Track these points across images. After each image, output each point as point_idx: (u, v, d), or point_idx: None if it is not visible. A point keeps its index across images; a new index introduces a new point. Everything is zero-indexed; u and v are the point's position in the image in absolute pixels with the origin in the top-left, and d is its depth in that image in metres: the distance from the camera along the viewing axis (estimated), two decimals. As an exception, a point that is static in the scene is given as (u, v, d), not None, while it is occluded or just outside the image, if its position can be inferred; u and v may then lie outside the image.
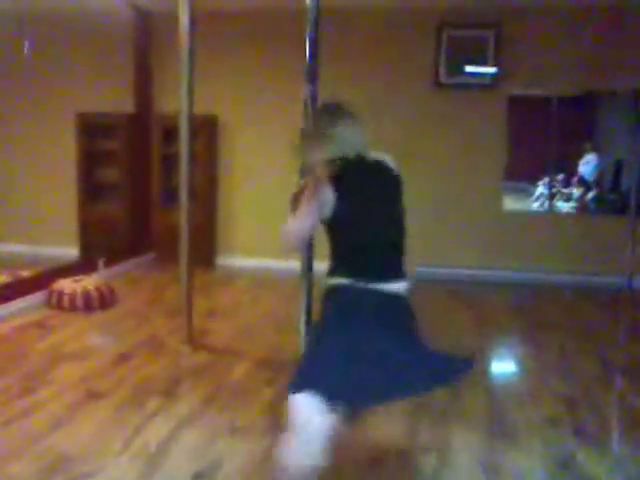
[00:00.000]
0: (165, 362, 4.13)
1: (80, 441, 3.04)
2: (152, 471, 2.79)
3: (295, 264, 6.85)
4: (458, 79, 6.53)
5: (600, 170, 6.72)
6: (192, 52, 4.23)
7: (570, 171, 6.73)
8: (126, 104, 6.90)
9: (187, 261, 4.42)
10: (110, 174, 6.99)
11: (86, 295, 5.17)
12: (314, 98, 2.64)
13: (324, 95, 2.73)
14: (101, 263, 6.07)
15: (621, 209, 6.63)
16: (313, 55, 2.58)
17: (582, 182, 6.78)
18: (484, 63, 6.46)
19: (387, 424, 3.30)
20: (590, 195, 6.77)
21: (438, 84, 6.57)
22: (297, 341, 4.48)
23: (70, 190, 6.99)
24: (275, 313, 5.37)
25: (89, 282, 5.30)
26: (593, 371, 4.16)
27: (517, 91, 6.55)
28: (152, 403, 3.47)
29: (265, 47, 6.81)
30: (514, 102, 6.57)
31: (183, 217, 4.41)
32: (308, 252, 2.76)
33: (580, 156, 6.71)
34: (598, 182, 6.75)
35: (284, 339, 4.65)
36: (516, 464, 2.94)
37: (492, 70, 6.45)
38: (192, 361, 4.17)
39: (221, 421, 3.30)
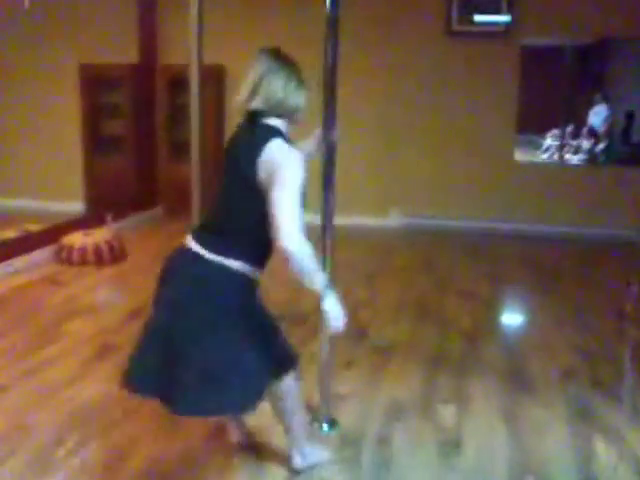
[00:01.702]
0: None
1: (99, 393, 3.04)
2: (172, 424, 2.78)
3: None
4: (470, 27, 6.35)
5: (610, 121, 6.60)
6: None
7: (580, 122, 6.61)
8: (130, 55, 6.73)
9: (199, 214, 4.36)
10: (115, 127, 6.87)
11: (97, 249, 5.13)
12: (334, 48, 2.56)
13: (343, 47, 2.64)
14: (109, 217, 6.01)
15: (631, 161, 6.54)
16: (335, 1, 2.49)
17: (592, 133, 6.67)
18: (497, 11, 6.28)
19: (404, 377, 3.30)
20: (600, 147, 6.66)
21: (450, 32, 6.40)
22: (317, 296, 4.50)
23: (75, 144, 6.89)
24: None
25: (99, 236, 5.26)
26: (608, 323, 4.15)
27: (530, 40, 6.38)
28: (168, 356, 3.47)
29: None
30: (527, 51, 6.41)
31: (194, 170, 4.31)
32: (331, 203, 2.69)
33: (590, 106, 6.58)
34: (608, 133, 6.63)
35: (298, 292, 4.61)
36: (535, 415, 2.95)
37: (505, 18, 6.26)
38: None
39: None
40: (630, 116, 6.62)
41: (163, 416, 2.80)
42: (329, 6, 2.53)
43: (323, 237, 2.71)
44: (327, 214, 2.71)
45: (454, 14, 6.36)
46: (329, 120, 2.62)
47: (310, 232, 2.05)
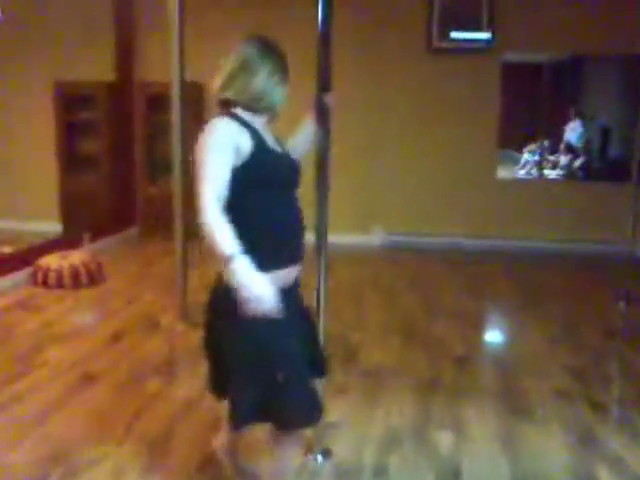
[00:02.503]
0: (161, 341, 3.98)
1: (79, 427, 2.89)
2: (158, 458, 2.65)
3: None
4: (451, 44, 6.34)
5: (587, 137, 6.64)
6: (182, 16, 4.00)
7: (557, 138, 6.65)
8: (106, 72, 6.60)
9: (182, 235, 4.25)
10: (92, 145, 6.71)
11: (74, 271, 4.97)
12: (327, 63, 2.48)
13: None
14: (86, 238, 5.85)
15: (609, 176, 6.58)
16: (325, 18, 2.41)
17: (569, 149, 6.70)
18: (478, 28, 6.28)
19: (397, 403, 3.20)
20: (578, 162, 6.69)
21: (431, 49, 6.39)
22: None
23: (50, 162, 6.72)
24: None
25: (76, 258, 5.09)
26: (598, 341, 4.11)
27: (510, 57, 6.40)
28: (151, 385, 3.33)
29: (250, 11, 6.56)
30: (507, 68, 6.43)
31: (177, 189, 4.23)
32: (323, 221, 2.58)
33: (566, 122, 6.62)
34: (586, 149, 6.67)
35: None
36: (533, 439, 2.86)
37: (486, 35, 6.27)
38: (188, 340, 4.01)
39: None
40: (606, 133, 6.68)
41: (150, 452, 2.68)
42: (320, 24, 2.45)
43: (318, 253, 2.60)
44: (321, 217, 2.58)
45: (434, 31, 6.36)
46: (324, 80, 2.47)
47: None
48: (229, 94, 1.99)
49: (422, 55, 6.44)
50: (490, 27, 6.26)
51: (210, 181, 1.83)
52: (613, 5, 6.15)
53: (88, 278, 5.05)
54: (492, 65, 6.37)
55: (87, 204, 6.67)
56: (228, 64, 1.99)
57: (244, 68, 1.97)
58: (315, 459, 2.68)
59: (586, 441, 2.86)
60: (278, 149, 2.07)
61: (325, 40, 2.44)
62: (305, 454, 2.68)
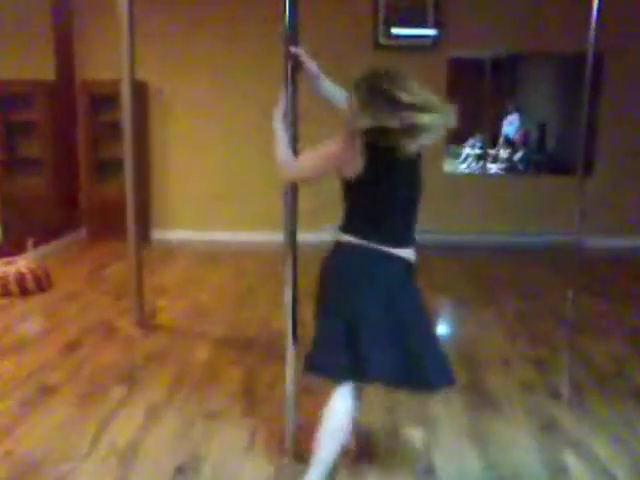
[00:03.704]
0: (119, 347, 3.87)
1: (42, 443, 2.77)
2: (128, 470, 2.58)
3: (238, 235, 6.74)
4: (398, 41, 6.39)
5: (525, 131, 6.83)
6: (132, 13, 3.88)
7: (497, 132, 6.81)
8: (46, 71, 6.37)
9: (135, 237, 4.15)
10: (33, 146, 6.47)
11: (20, 278, 4.78)
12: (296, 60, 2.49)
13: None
14: (30, 243, 5.63)
15: (548, 169, 6.78)
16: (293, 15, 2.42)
17: (507, 142, 6.88)
18: (424, 25, 6.35)
19: (366, 400, 3.19)
20: (518, 156, 6.87)
21: (377, 45, 6.42)
22: (264, 317, 4.36)
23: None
24: (227, 289, 5.14)
25: (22, 264, 4.90)
26: (553, 331, 4.22)
27: (455, 53, 6.50)
28: (114, 394, 3.23)
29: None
30: (452, 64, 6.53)
31: (129, 190, 4.12)
32: (292, 220, 2.58)
33: (504, 117, 6.78)
34: (524, 143, 6.86)
35: (243, 316, 4.47)
36: (501, 431, 2.92)
37: (432, 32, 6.35)
38: (148, 345, 3.93)
39: (193, 407, 3.11)
40: (543, 126, 6.88)
41: (120, 463, 2.60)
42: (287, 22, 2.44)
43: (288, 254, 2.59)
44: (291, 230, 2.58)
45: (380, 28, 6.40)
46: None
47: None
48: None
49: (369, 51, 6.45)
50: (436, 24, 6.34)
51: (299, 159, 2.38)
52: (553, 5, 6.33)
53: (36, 285, 4.87)
54: (438, 61, 6.45)
55: (29, 208, 6.40)
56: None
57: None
58: (289, 460, 2.66)
59: (551, 429, 2.94)
60: None
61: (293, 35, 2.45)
62: (280, 456, 2.66)
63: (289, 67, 2.50)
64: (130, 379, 3.41)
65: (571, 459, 2.70)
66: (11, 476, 2.53)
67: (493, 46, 6.49)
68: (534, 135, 6.91)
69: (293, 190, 2.57)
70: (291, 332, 2.61)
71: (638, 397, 3.28)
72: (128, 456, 2.66)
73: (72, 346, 3.85)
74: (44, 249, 5.95)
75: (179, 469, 2.58)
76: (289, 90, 2.50)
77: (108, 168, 6.61)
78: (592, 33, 4.25)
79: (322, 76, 2.61)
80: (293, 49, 2.48)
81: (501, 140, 6.84)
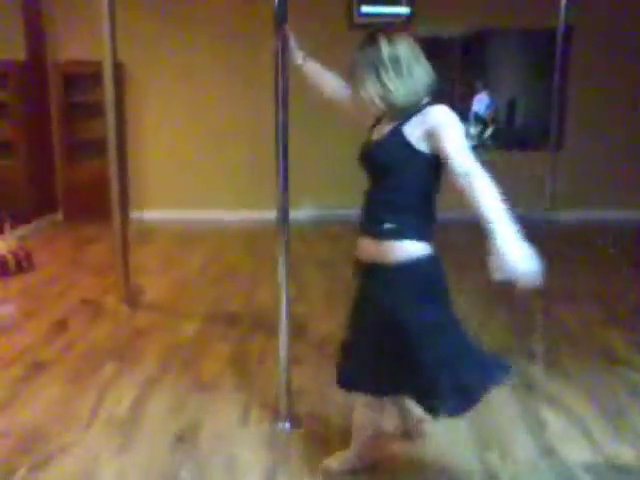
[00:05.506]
0: (108, 325, 3.93)
1: (41, 416, 2.84)
2: (130, 438, 2.66)
3: (216, 214, 6.78)
4: (372, 19, 6.46)
5: (493, 108, 6.98)
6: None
7: (466, 109, 6.93)
8: (17, 51, 6.29)
9: (120, 215, 4.18)
10: (5, 128, 6.40)
11: (1, 260, 4.78)
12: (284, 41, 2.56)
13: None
14: (7, 225, 5.61)
15: (517, 144, 6.94)
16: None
17: (477, 119, 7.02)
18: (396, 3, 6.42)
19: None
20: (488, 132, 7.03)
21: (352, 25, 6.48)
22: (247, 293, 4.43)
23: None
24: (208, 266, 5.20)
25: (3, 246, 4.90)
26: (528, 300, 4.38)
27: (427, 31, 6.57)
28: (107, 369, 3.30)
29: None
30: (425, 42, 6.59)
31: (113, 168, 4.15)
32: (285, 198, 2.66)
33: (474, 94, 6.91)
34: (494, 119, 7.01)
35: (226, 292, 4.54)
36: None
37: (405, 10, 6.42)
38: (137, 322, 3.99)
39: (186, 380, 3.20)
40: (512, 103, 7.04)
41: (121, 433, 2.67)
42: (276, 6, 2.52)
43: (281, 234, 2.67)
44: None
45: (354, 8, 6.45)
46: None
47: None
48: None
49: (343, 32, 6.50)
50: (409, 2, 6.42)
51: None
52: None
53: (17, 266, 4.88)
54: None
55: (3, 191, 6.37)
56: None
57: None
58: (283, 427, 2.77)
59: (529, 388, 3.11)
60: (373, 138, 2.29)
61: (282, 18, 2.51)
62: (275, 422, 2.77)
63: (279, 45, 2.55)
64: (121, 355, 3.48)
65: (550, 414, 2.87)
66: (14, 449, 2.59)
67: (464, 24, 6.58)
68: (504, 111, 7.06)
69: (284, 169, 2.64)
70: (284, 305, 2.70)
71: (607, 355, 3.50)
72: (128, 427, 2.75)
73: (61, 324, 3.90)
74: (21, 231, 5.93)
75: (179, 437, 2.67)
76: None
77: (82, 149, 6.60)
78: (562, 7, 4.33)
79: (311, 62, 2.75)
80: (285, 29, 2.54)
81: (471, 117, 6.98)
